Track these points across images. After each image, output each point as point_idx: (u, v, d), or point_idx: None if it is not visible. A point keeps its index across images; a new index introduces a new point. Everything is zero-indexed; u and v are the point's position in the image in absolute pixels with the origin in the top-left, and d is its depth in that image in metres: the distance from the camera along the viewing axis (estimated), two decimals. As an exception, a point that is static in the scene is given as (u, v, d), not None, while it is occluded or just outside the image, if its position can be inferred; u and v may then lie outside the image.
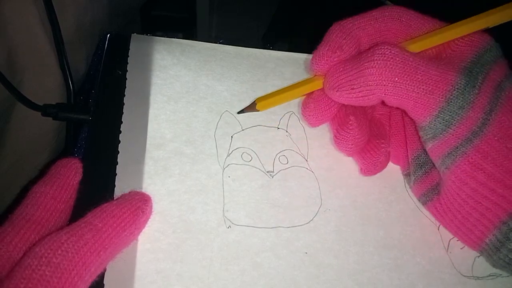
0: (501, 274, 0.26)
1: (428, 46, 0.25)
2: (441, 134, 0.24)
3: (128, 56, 0.33)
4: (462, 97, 0.23)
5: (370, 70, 0.23)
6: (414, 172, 0.28)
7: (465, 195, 0.24)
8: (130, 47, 0.33)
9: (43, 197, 0.22)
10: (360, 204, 0.28)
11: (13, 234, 0.20)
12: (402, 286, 0.25)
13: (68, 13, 0.38)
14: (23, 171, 0.40)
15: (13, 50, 0.35)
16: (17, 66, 0.36)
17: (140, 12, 0.79)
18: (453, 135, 0.24)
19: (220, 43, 0.36)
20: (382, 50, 0.23)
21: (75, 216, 0.22)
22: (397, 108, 0.30)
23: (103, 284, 0.21)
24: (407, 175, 0.30)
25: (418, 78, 0.23)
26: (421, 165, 0.28)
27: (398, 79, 0.23)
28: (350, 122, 0.27)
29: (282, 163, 0.29)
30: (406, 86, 0.23)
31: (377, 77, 0.23)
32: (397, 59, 0.23)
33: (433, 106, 0.23)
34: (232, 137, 0.30)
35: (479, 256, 0.27)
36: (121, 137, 0.28)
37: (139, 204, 0.23)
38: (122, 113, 0.29)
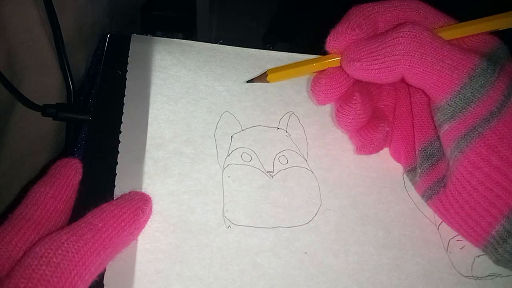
0: (500, 274, 0.26)
1: (447, 37, 0.26)
2: (460, 112, 0.24)
3: (128, 56, 0.33)
4: (484, 77, 0.24)
5: (399, 40, 0.24)
6: (421, 165, 0.28)
7: (476, 182, 0.24)
8: (130, 48, 0.33)
9: (43, 197, 0.22)
10: (359, 204, 0.28)
11: (13, 234, 0.20)
12: (402, 286, 0.25)
13: (68, 13, 0.38)
14: (23, 171, 0.41)
15: (13, 50, 0.35)
16: (17, 66, 0.36)
17: (140, 12, 0.79)
18: (472, 114, 0.24)
19: (220, 43, 0.36)
20: (411, 26, 0.24)
21: (75, 216, 0.22)
22: (404, 98, 0.30)
23: (103, 284, 0.21)
24: (410, 170, 0.30)
25: (445, 53, 0.24)
26: (428, 157, 0.28)
27: (425, 51, 0.24)
28: (355, 97, 0.27)
29: (282, 163, 0.29)
30: (432, 59, 0.24)
31: (405, 46, 0.24)
32: (426, 34, 0.24)
33: (456, 82, 0.24)
34: (232, 137, 0.30)
35: (479, 256, 0.27)
36: (121, 137, 0.28)
37: (139, 204, 0.23)
38: (122, 113, 0.29)
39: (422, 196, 0.29)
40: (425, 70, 0.24)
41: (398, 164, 0.31)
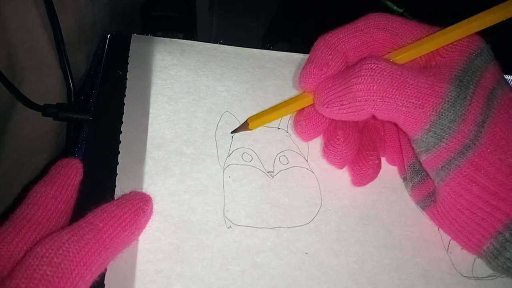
0: (501, 275, 0.26)
1: (416, 55, 0.25)
2: (433, 147, 0.24)
3: (128, 56, 0.33)
4: (453, 110, 0.22)
5: (358, 86, 0.23)
6: (411, 179, 0.28)
7: (460, 206, 0.24)
8: (131, 48, 0.33)
9: (44, 197, 0.22)
10: (360, 204, 0.28)
11: (14, 234, 0.20)
12: (402, 286, 0.25)
13: (68, 13, 0.38)
14: (24, 171, 0.41)
15: (13, 50, 0.35)
16: (17, 66, 0.36)
17: (140, 12, 0.79)
18: (445, 149, 0.23)
19: (220, 43, 0.36)
20: (369, 65, 0.23)
21: (76, 216, 0.22)
22: None
23: (104, 284, 0.21)
24: (404, 179, 0.30)
25: (407, 92, 0.22)
26: (417, 172, 0.28)
27: (386, 94, 0.22)
28: (338, 137, 0.27)
29: (282, 163, 0.29)
30: (395, 101, 0.22)
31: (365, 93, 0.23)
32: (385, 73, 0.22)
33: (424, 120, 0.23)
34: (232, 137, 0.30)
35: (479, 257, 0.27)
36: (121, 137, 0.28)
37: (140, 204, 0.23)
38: (123, 113, 0.29)
39: (417, 205, 0.29)
40: (391, 112, 0.23)
41: (399, 164, 0.31)
